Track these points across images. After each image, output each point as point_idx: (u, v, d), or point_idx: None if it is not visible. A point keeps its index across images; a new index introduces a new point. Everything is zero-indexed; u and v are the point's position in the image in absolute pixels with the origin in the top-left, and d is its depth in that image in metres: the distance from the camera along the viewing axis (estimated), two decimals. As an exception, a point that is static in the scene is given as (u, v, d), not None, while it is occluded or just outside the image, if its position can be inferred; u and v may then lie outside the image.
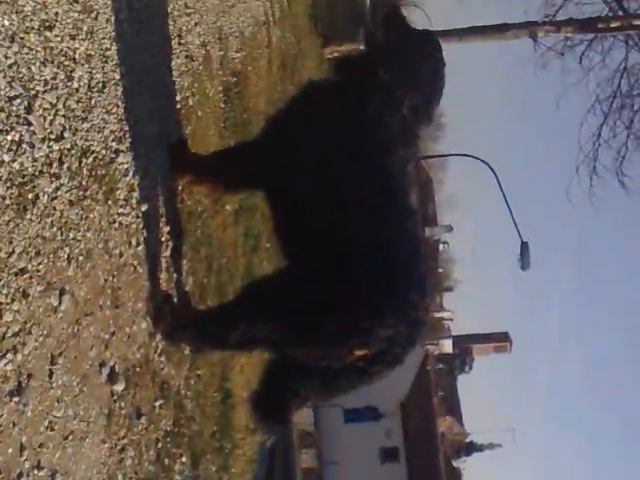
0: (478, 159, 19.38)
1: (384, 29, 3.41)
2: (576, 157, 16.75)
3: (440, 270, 44.03)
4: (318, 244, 3.14)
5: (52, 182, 2.49)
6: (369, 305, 2.97)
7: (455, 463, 38.16)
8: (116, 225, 2.98)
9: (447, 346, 43.76)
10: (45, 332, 2.35)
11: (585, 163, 16.67)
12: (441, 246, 40.57)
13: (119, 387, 2.83)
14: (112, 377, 2.78)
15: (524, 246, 16.74)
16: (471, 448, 45.19)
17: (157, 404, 3.23)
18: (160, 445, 3.26)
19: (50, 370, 2.36)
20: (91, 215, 2.76)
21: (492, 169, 18.51)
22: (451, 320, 44.68)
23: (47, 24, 2.63)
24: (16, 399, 2.16)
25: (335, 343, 3.00)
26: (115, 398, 2.82)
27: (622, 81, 16.41)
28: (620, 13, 15.94)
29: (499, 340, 52.44)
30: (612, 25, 13.92)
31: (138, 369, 3.06)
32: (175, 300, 3.56)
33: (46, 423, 2.32)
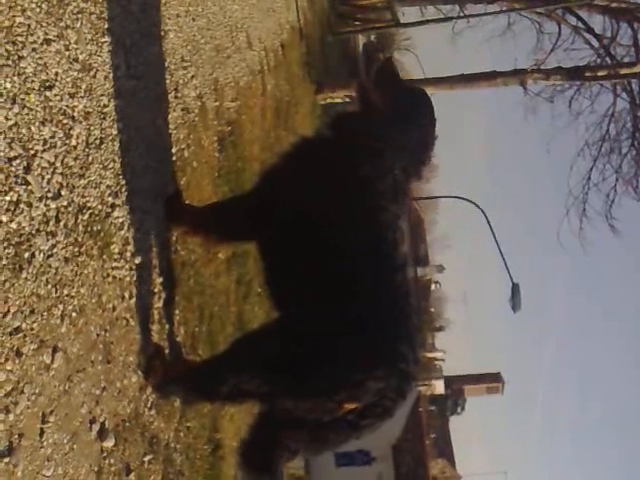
0: (469, 201, 19.61)
1: (377, 86, 3.47)
2: (566, 200, 16.95)
3: (432, 309, 44.01)
4: (309, 298, 3.17)
5: (48, 240, 2.53)
6: (359, 358, 2.99)
7: (447, 507, 37.58)
8: (110, 279, 3.01)
9: (439, 387, 43.50)
10: (37, 390, 2.35)
11: (575, 206, 16.85)
12: (433, 286, 40.65)
13: (109, 443, 2.82)
14: (102, 433, 2.77)
15: (515, 288, 16.81)
16: (463, 492, 44.53)
17: (146, 459, 3.21)
18: (149, 501, 3.23)
19: (41, 429, 2.36)
20: (85, 271, 2.79)
21: (483, 211, 18.72)
22: (443, 360, 44.53)
23: (47, 84, 2.70)
24: (6, 460, 2.16)
25: (325, 396, 3.01)
26: (105, 455, 2.80)
27: (610, 126, 16.74)
28: (608, 60, 16.32)
29: (491, 381, 52.17)
30: (600, 74, 14.23)
31: (128, 424, 3.05)
32: (166, 352, 3.58)
33: (35, 483, 2.31)
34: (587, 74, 14.15)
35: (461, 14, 18.61)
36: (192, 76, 4.64)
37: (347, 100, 11.76)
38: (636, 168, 16.47)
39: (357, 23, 19.37)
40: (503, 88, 13.78)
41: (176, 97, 4.25)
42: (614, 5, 15.96)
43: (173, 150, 4.06)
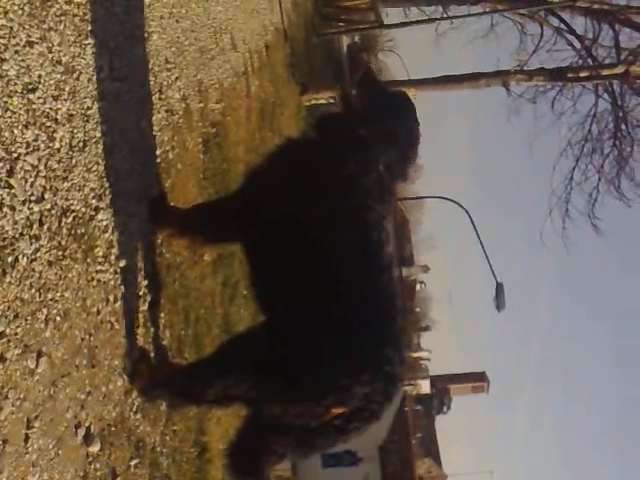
0: (453, 201, 19.67)
1: (360, 91, 3.51)
2: (549, 199, 17.06)
3: (417, 310, 44.14)
4: (295, 300, 3.17)
5: (32, 244, 2.51)
6: (346, 363, 2.99)
7: (433, 507, 37.69)
8: (94, 283, 2.99)
9: (425, 386, 43.61)
10: (22, 396, 2.33)
11: (558, 205, 16.96)
12: (418, 286, 40.77)
13: (94, 448, 2.80)
14: (88, 438, 2.75)
15: (499, 287, 16.89)
16: (449, 491, 44.67)
17: (132, 463, 3.19)
18: (135, 506, 3.21)
19: (26, 434, 2.34)
20: (70, 274, 2.76)
21: (467, 211, 18.79)
22: (428, 360, 44.65)
23: (30, 87, 2.68)
24: (-10, 466, 2.14)
25: (312, 401, 3.00)
26: (90, 460, 2.78)
27: (592, 126, 16.88)
28: (590, 61, 16.46)
29: (476, 380, 52.39)
30: (582, 75, 14.34)
31: (113, 428, 3.03)
32: (152, 355, 3.56)
33: (20, 489, 2.29)
34: (569, 75, 14.27)
35: (444, 15, 18.68)
36: (176, 78, 4.62)
37: (332, 101, 11.78)
38: (618, 168, 16.63)
39: (341, 24, 19.38)
40: (486, 89, 13.86)
41: (160, 99, 4.23)
42: (596, 7, 16.10)
43: (157, 152, 4.04)
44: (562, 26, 17.37)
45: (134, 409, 3.28)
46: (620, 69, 13.72)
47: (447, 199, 20.07)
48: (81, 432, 2.72)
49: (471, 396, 54.73)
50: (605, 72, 14.18)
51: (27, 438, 2.34)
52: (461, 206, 18.91)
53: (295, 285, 3.18)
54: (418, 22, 16.81)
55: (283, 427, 3.11)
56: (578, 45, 16.83)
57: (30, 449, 2.36)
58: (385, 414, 3.24)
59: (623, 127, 16.54)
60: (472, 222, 18.06)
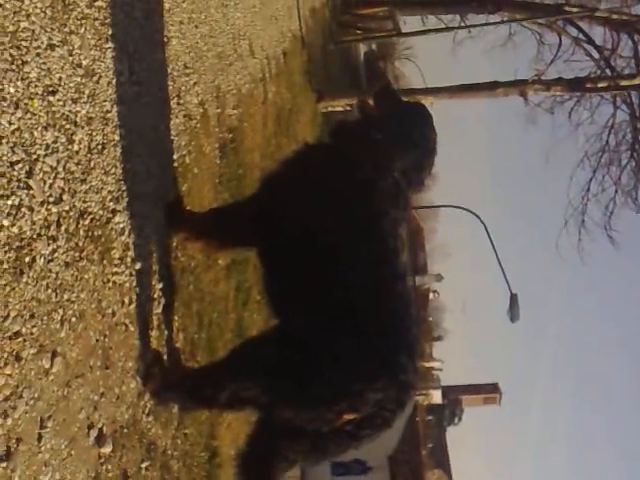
0: (469, 211, 19.61)
1: (377, 101, 3.52)
2: (565, 211, 16.96)
3: (430, 319, 43.97)
4: (309, 306, 3.17)
5: (49, 245, 2.53)
6: (359, 369, 2.98)
7: (443, 518, 37.42)
8: (110, 285, 3.01)
9: (436, 397, 43.36)
10: (36, 395, 2.35)
11: (574, 217, 16.85)
12: (431, 295, 40.61)
13: (106, 449, 2.81)
14: (100, 439, 2.76)
15: (513, 298, 16.79)
16: (460, 503, 44.35)
17: (143, 466, 3.20)
18: (146, 508, 3.22)
19: (39, 434, 2.35)
20: (86, 276, 2.78)
21: (482, 221, 18.72)
22: (440, 370, 44.40)
23: (51, 89, 2.71)
24: (4, 464, 2.15)
25: (324, 407, 3.00)
26: (102, 461, 2.79)
27: (610, 137, 16.78)
28: (608, 72, 16.39)
29: (488, 392, 52.05)
30: (600, 85, 14.27)
31: (126, 430, 3.04)
32: (165, 358, 3.57)
33: (33, 488, 2.31)
34: (587, 85, 14.20)
35: (462, 24, 18.69)
36: (194, 83, 4.65)
37: (348, 109, 11.80)
38: (635, 180, 16.50)
39: (358, 32, 19.44)
40: (503, 98, 13.81)
41: (178, 104, 4.26)
42: (615, 17, 16.02)
43: (175, 156, 4.07)
44: (581, 36, 17.31)
45: (146, 411, 3.29)
46: (639, 80, 13.62)
47: (462, 208, 20.02)
48: (93, 433, 2.73)
49: (483, 407, 54.41)
50: (624, 83, 14.09)
51: (40, 437, 2.36)
52: (476, 215, 18.86)
53: (309, 290, 3.18)
54: (436, 30, 16.83)
55: (294, 432, 3.11)
56: (596, 55, 16.76)
57: (43, 448, 2.37)
58: (397, 422, 3.23)
59: (641, 139, 16.43)
60: (487, 232, 18.00)
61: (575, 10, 16.42)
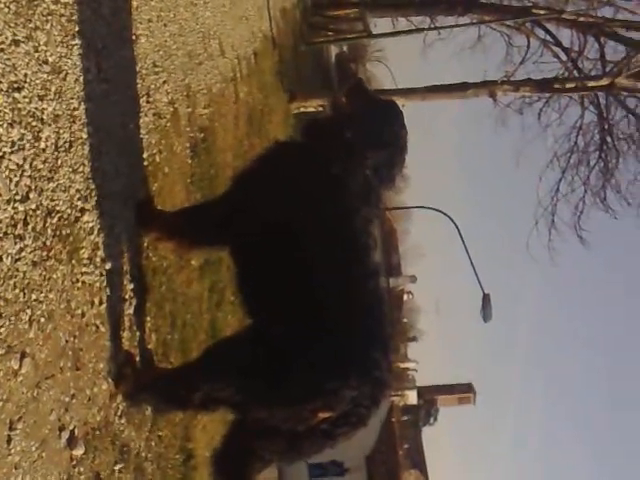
0: (441, 212, 19.73)
1: (349, 99, 3.51)
2: (535, 211, 17.16)
3: (404, 320, 44.15)
4: (281, 305, 3.15)
5: (16, 243, 2.48)
6: (333, 367, 2.97)
7: (420, 518, 37.58)
8: (79, 285, 2.95)
9: (412, 397, 43.54)
10: (4, 397, 2.30)
11: (544, 217, 17.06)
12: (405, 296, 40.78)
13: (78, 452, 2.75)
14: (71, 441, 2.71)
15: (486, 298, 16.92)
16: (436, 502, 44.58)
17: (117, 468, 3.15)
18: (119, 511, 3.17)
19: (8, 436, 2.30)
20: (54, 275, 2.73)
21: (454, 222, 18.85)
22: (415, 371, 44.60)
23: (16, 85, 2.66)
24: (-29, 468, 2.10)
25: (299, 406, 2.98)
26: (74, 463, 2.74)
27: (579, 138, 17.02)
28: (576, 73, 16.62)
29: (463, 391, 52.37)
30: (568, 86, 14.46)
31: (98, 432, 2.99)
32: (137, 359, 3.52)
33: (2, 492, 2.25)
34: (556, 86, 14.39)
35: (432, 26, 18.82)
36: (164, 81, 4.60)
37: (320, 109, 11.81)
38: (604, 180, 16.78)
39: (329, 33, 19.47)
40: (473, 99, 13.94)
41: (148, 102, 4.21)
42: (582, 19, 16.27)
43: (144, 155, 4.02)
44: (548, 38, 17.58)
45: (119, 413, 3.24)
46: (605, 81, 13.84)
47: (434, 209, 20.13)
48: (65, 435, 2.68)
49: (458, 407, 54.71)
50: (591, 84, 14.31)
51: (10, 440, 2.30)
52: (448, 216, 18.98)
53: (282, 289, 3.16)
54: (406, 32, 16.94)
55: (269, 432, 3.08)
56: (564, 57, 17.05)
57: (13, 451, 2.32)
58: (372, 422, 3.22)
59: (609, 139, 16.71)
60: (459, 232, 18.12)
61: (543, 12, 16.66)
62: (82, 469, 2.80)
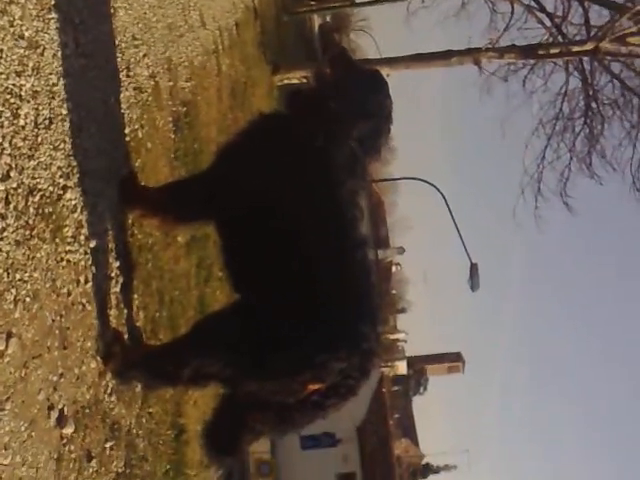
0: (427, 182, 19.72)
1: (332, 69, 3.46)
2: (521, 179, 17.15)
3: (393, 292, 44.39)
4: (268, 278, 3.14)
5: (-2, 223, 2.44)
6: (322, 338, 2.97)
7: (412, 485, 38.17)
8: (64, 263, 2.92)
9: (401, 367, 44.00)
10: (-9, 378, 2.28)
11: (530, 185, 17.06)
12: (394, 268, 40.97)
13: (68, 430, 2.75)
14: (61, 420, 2.71)
15: (473, 268, 17.01)
16: (427, 470, 45.39)
17: (108, 445, 3.15)
18: (112, 487, 3.18)
19: (-4, 417, 2.29)
20: (38, 254, 2.70)
21: (441, 192, 18.85)
22: (405, 341, 45.01)
23: (-9, 62, 2.60)
24: (-40, 449, 2.09)
25: (288, 378, 2.98)
26: (65, 442, 2.74)
27: (564, 104, 16.99)
28: (560, 39, 16.53)
29: (452, 360, 52.97)
30: (552, 51, 14.39)
31: (88, 410, 2.98)
32: (126, 337, 3.51)
33: (-8, 472, 2.25)
34: (540, 52, 14.30)
35: (415, -6, 18.59)
36: (144, 55, 4.53)
37: (304, 81, 11.70)
38: (589, 146, 16.76)
39: (312, 3, 19.23)
40: (458, 67, 13.85)
41: (128, 76, 4.14)
42: (565, -16, 16.13)
43: (126, 131, 3.96)
44: (532, 3, 17.39)
45: (108, 391, 3.24)
46: (590, 45, 13.77)
47: (421, 180, 20.12)
48: (54, 414, 2.67)
49: (447, 376, 55.36)
50: (575, 49, 14.24)
51: (-2, 420, 2.29)
52: (435, 187, 18.97)
53: (268, 262, 3.14)
54: (389, 0, 16.74)
55: (260, 404, 3.09)
56: (548, 23, 16.86)
57: (2, 431, 2.31)
58: (362, 392, 3.24)
59: (594, 105, 16.66)
60: (446, 202, 18.14)
61: (526, -23, 16.49)
62: (72, 447, 2.80)
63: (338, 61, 3.53)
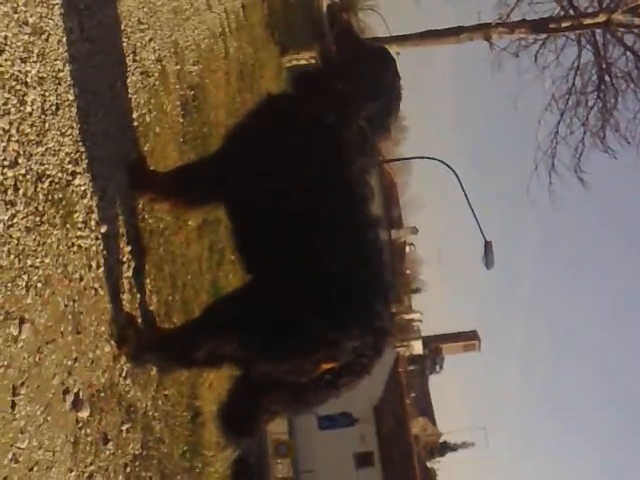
0: (440, 161, 19.57)
1: (339, 46, 3.43)
2: (534, 155, 17.01)
3: (407, 272, 44.32)
4: (281, 258, 3.14)
5: (7, 209, 2.45)
6: (335, 318, 2.97)
7: (429, 464, 38.41)
8: (75, 249, 2.94)
9: (417, 347, 44.05)
10: (6, 363, 2.30)
11: (544, 161, 16.92)
12: (407, 248, 40.87)
13: (84, 414, 2.78)
14: (77, 404, 2.73)
15: (488, 246, 16.92)
16: (445, 448, 45.61)
17: (124, 428, 3.18)
18: (129, 470, 3.21)
19: (12, 401, 2.31)
20: (49, 240, 2.71)
21: (454, 170, 18.70)
22: (420, 321, 44.98)
23: (-4, 49, 2.59)
24: (-23, 434, 2.11)
25: (302, 357, 2.99)
26: (80, 425, 2.77)
27: (576, 79, 16.79)
28: (571, 12, 16.29)
29: (468, 339, 52.96)
30: (564, 25, 14.21)
31: (103, 394, 3.01)
32: (139, 320, 3.53)
33: (10, 455, 2.27)
34: (551, 26, 14.14)
35: (424, -29, 18.39)
36: (150, 39, 4.51)
37: (313, 61, 11.64)
38: (602, 120, 16.58)
39: (319, -16, 19.06)
40: (468, 44, 13.71)
41: (135, 60, 4.13)
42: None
43: (134, 115, 3.96)
44: (543, -24, 17.14)
45: (123, 374, 3.26)
46: (602, 18, 13.59)
47: (433, 159, 19.96)
48: (69, 398, 2.69)
49: (463, 355, 55.42)
50: (587, 21, 14.06)
51: (14, 405, 2.32)
52: (447, 165, 18.81)
53: (280, 242, 3.14)
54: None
55: (274, 385, 3.11)
56: (559, -5, 16.64)
57: (18, 416, 2.33)
58: (377, 372, 3.24)
59: (607, 78, 16.45)
60: (459, 181, 17.98)
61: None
62: (89, 430, 2.83)
63: (344, 38, 3.49)
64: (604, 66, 16.32)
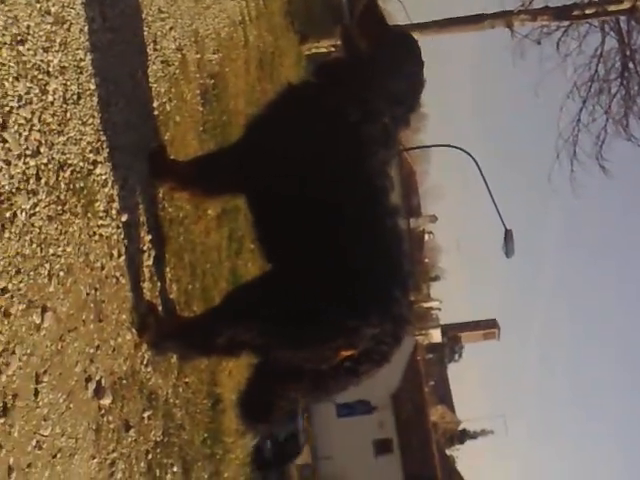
0: (460, 149, 19.42)
1: (361, 30, 3.36)
2: (556, 143, 16.85)
3: (426, 260, 44.21)
4: (300, 247, 3.14)
5: (30, 198, 2.47)
6: (354, 305, 2.97)
7: (449, 451, 38.43)
8: (96, 237, 2.96)
9: (436, 336, 43.93)
10: (29, 351, 2.33)
11: (565, 149, 16.77)
12: (426, 236, 40.74)
13: (106, 401, 2.81)
14: (99, 391, 2.76)
15: (508, 234, 16.78)
16: (464, 436, 45.61)
17: (145, 415, 3.22)
18: (150, 456, 3.25)
19: (35, 389, 2.34)
20: (70, 229, 2.73)
21: (474, 158, 18.56)
22: (439, 309, 44.87)
23: (19, 38, 2.60)
24: (1, 420, 2.14)
25: (321, 345, 3.00)
26: (103, 412, 2.80)
27: (599, 66, 16.56)
28: (595, -1, 16.07)
29: (487, 327, 52.67)
30: (587, 12, 14.00)
31: (125, 381, 3.04)
32: (160, 309, 3.55)
33: (33, 443, 2.30)
34: (575, 13, 13.94)
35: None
36: (170, 28, 4.51)
37: (332, 50, 11.58)
38: (625, 107, 16.37)
39: (339, -30, 18.91)
40: (490, 31, 13.56)
41: (155, 49, 4.14)
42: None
43: (154, 104, 3.97)
44: (566, -38, 16.89)
45: (144, 362, 3.29)
46: (627, 4, 13.38)
47: (453, 147, 19.81)
48: (92, 386, 2.72)
49: (482, 343, 55.18)
50: (611, 8, 13.85)
51: (37, 393, 2.34)
52: (468, 153, 18.67)
53: (300, 231, 3.14)
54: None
55: (294, 372, 3.12)
56: (583, -19, 16.39)
57: (41, 403, 2.36)
58: (395, 359, 3.24)
59: (630, 65, 16.22)
60: (479, 169, 17.84)
61: None
62: (111, 418, 2.86)
63: (369, 20, 3.40)
64: (628, 53, 16.07)
